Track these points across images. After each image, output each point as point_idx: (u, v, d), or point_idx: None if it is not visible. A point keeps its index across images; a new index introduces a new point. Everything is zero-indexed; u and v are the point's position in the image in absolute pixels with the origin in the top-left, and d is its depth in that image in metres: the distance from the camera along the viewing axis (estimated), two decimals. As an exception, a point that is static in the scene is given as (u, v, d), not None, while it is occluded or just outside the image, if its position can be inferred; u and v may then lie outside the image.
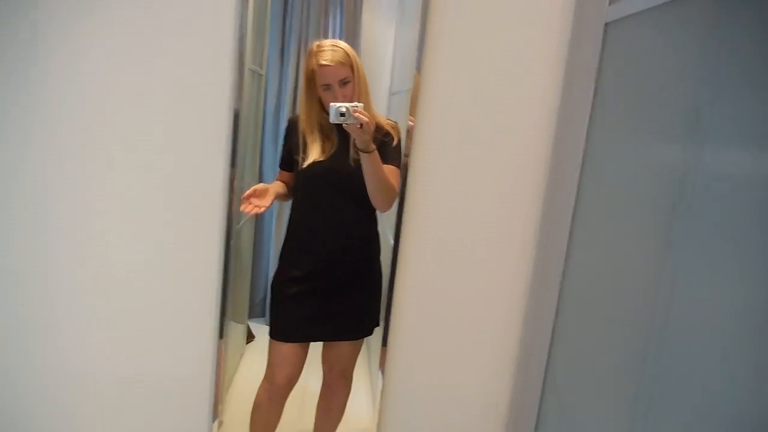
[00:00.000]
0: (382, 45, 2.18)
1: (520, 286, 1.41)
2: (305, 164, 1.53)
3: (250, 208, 1.44)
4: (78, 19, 1.31)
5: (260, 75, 1.87)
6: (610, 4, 1.11)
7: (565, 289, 1.26)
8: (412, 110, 1.39)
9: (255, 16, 1.74)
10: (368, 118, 1.39)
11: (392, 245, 1.54)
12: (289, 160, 1.61)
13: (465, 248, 1.41)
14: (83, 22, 1.31)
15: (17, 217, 1.38)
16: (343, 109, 1.40)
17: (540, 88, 1.32)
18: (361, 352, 1.68)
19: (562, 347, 1.26)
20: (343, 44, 1.53)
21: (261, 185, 1.49)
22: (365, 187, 1.49)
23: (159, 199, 1.39)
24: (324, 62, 1.48)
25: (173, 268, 1.41)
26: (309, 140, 1.54)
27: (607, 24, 1.12)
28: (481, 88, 1.34)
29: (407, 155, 1.45)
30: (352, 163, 1.51)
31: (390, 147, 1.54)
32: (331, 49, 1.50)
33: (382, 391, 1.47)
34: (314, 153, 1.54)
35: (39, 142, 1.35)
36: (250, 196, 1.45)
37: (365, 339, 1.68)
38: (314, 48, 1.52)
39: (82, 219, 1.38)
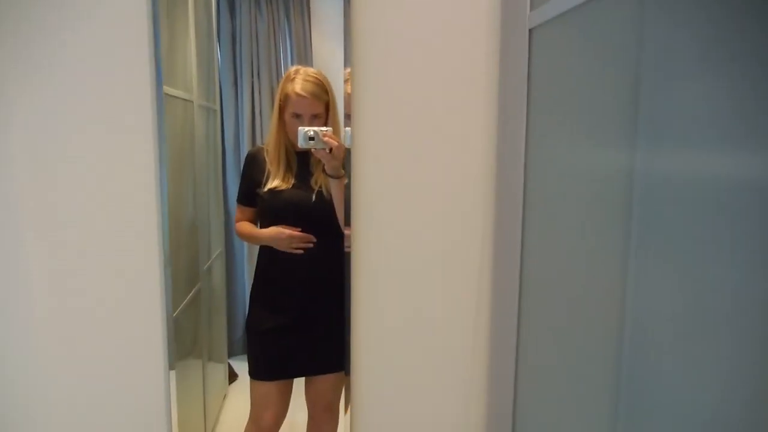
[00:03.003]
0: (333, 66, 2.16)
1: (484, 305, 1.39)
2: (267, 193, 1.50)
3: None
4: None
5: (214, 111, 1.84)
6: (531, 9, 1.10)
7: (523, 301, 1.24)
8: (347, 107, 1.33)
9: (200, 50, 1.71)
10: (338, 142, 1.37)
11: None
12: (248, 193, 1.57)
13: (417, 270, 1.38)
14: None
15: None
16: (312, 133, 1.38)
17: (474, 97, 1.29)
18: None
19: (527, 368, 1.23)
20: (322, 77, 1.48)
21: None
22: (329, 217, 1.46)
23: (99, 243, 1.35)
24: (301, 92, 1.45)
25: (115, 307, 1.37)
26: (272, 170, 1.52)
27: (531, 30, 1.10)
28: (416, 102, 1.30)
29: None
30: (313, 195, 1.49)
31: None
32: (311, 80, 1.46)
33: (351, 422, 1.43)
34: (276, 182, 1.51)
35: None
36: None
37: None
38: (292, 73, 1.48)
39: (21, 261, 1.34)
